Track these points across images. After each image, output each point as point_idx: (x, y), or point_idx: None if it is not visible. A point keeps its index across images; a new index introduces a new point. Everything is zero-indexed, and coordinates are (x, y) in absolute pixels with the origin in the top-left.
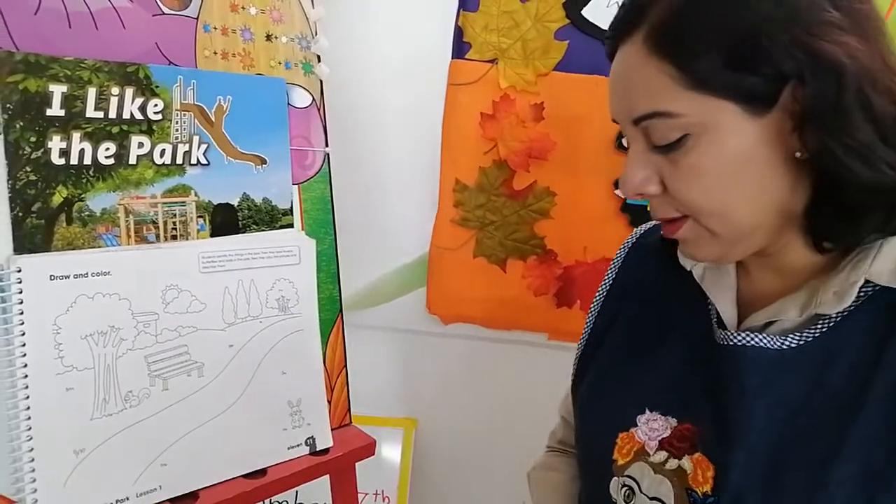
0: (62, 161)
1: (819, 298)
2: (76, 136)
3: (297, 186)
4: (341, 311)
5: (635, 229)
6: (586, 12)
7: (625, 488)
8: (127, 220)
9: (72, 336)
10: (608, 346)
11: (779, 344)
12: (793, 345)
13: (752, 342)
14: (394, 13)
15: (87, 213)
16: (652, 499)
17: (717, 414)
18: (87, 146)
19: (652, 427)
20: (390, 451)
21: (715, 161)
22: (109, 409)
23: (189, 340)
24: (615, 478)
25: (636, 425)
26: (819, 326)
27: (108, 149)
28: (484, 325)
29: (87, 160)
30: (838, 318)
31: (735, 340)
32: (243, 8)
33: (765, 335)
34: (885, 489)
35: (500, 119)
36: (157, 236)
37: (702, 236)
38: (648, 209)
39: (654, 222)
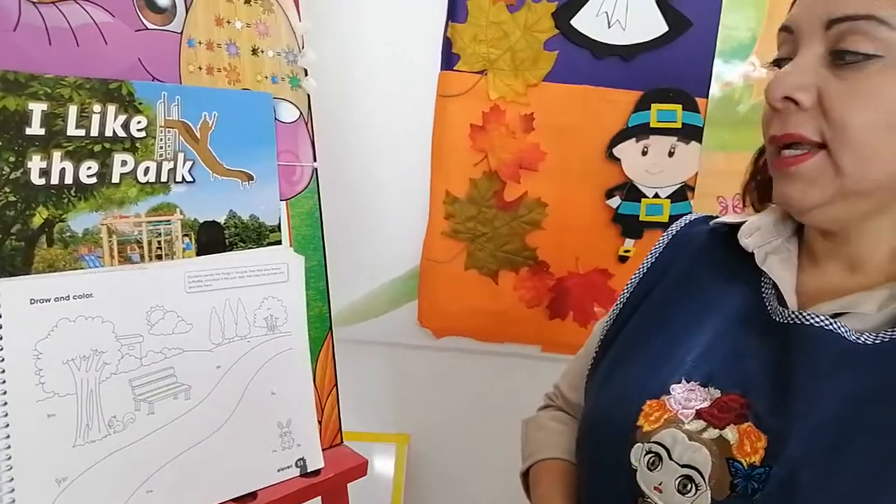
0: (42, 181)
1: None
2: (57, 155)
3: (284, 202)
4: (331, 328)
5: (679, 220)
6: (575, 22)
7: (650, 455)
8: (110, 241)
9: (53, 361)
10: (636, 323)
11: (855, 337)
12: (868, 341)
13: (829, 326)
14: (382, 25)
15: (68, 233)
16: (683, 466)
17: (780, 387)
18: (69, 165)
19: (688, 397)
20: (383, 467)
21: (893, 97)
22: (93, 435)
23: (175, 362)
24: (639, 444)
25: (669, 394)
26: (889, 332)
27: (89, 168)
28: (476, 338)
29: (69, 179)
30: None
31: (807, 320)
32: (228, 22)
33: (841, 323)
34: None
35: (490, 130)
36: (142, 256)
37: (825, 174)
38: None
39: (695, 215)
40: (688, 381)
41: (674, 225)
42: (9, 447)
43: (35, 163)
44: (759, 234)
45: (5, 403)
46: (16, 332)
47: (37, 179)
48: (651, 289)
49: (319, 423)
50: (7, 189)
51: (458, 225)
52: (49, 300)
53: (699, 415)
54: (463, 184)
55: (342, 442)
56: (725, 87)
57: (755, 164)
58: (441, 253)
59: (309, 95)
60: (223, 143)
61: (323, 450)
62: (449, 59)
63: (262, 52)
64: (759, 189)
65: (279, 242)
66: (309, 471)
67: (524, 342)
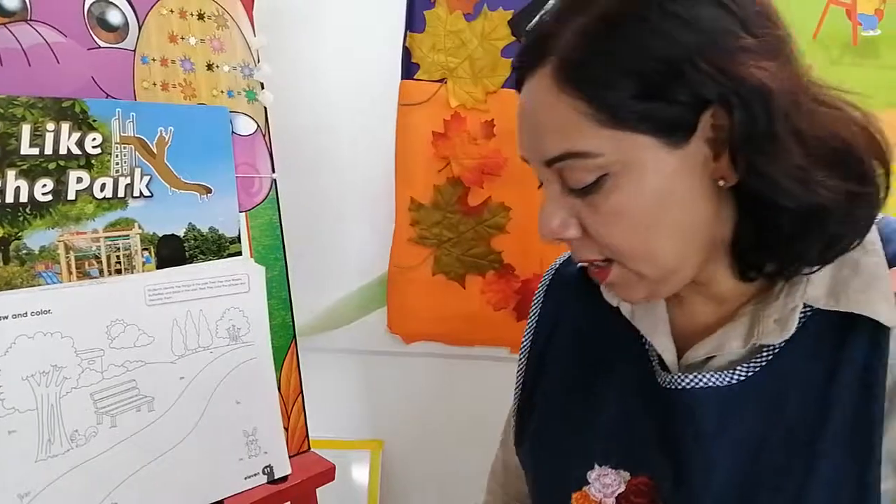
0: None
1: (760, 328)
2: (11, 174)
3: (244, 214)
4: (295, 337)
5: (550, 267)
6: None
7: None
8: (67, 257)
9: (12, 377)
10: (543, 398)
11: (727, 380)
12: (741, 378)
13: (700, 383)
14: (341, 36)
15: (24, 251)
16: None
17: (675, 463)
18: (24, 183)
19: (604, 483)
20: (358, 474)
21: (637, 201)
22: (55, 449)
23: (137, 375)
24: None
25: (588, 482)
26: (764, 355)
27: (45, 185)
28: (446, 342)
29: (24, 198)
30: (782, 345)
31: (682, 384)
32: (182, 38)
33: (711, 373)
34: None
35: (451, 137)
36: (101, 271)
37: (630, 279)
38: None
39: (562, 257)
40: (600, 466)
41: (546, 274)
42: None
43: None
44: None
45: None
46: None
47: None
48: (547, 356)
49: (286, 430)
50: None
51: (424, 231)
52: (7, 317)
53: (619, 502)
54: (427, 190)
55: (309, 448)
56: None
57: None
58: (408, 259)
59: (266, 108)
60: (180, 158)
61: (290, 456)
62: (409, 68)
63: (218, 67)
64: None
65: (239, 253)
66: (276, 477)
67: (493, 344)
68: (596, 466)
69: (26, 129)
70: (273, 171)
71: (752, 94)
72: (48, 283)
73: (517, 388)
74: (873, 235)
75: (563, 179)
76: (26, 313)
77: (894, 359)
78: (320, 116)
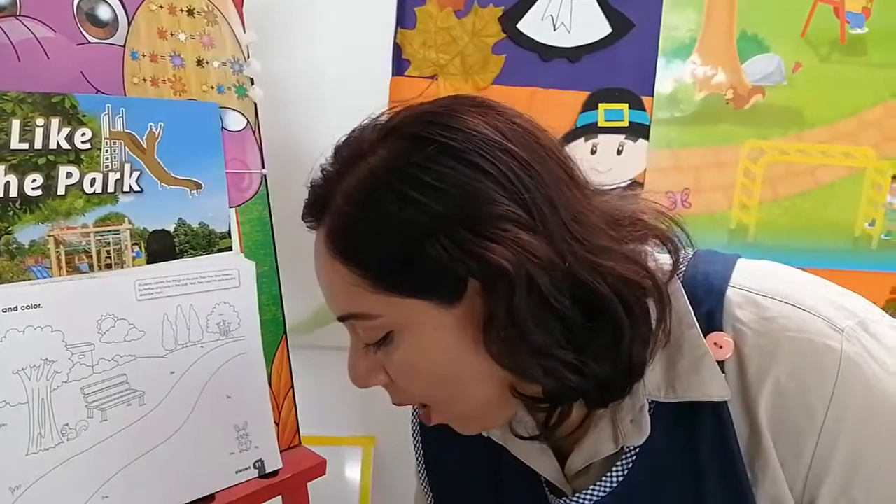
0: None
1: (622, 430)
2: (0, 168)
3: (234, 209)
4: (285, 332)
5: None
6: (522, 26)
7: None
8: (57, 251)
9: (3, 371)
10: None
11: (608, 487)
12: (620, 478)
13: (593, 499)
14: (332, 32)
15: (14, 245)
16: None
17: None
18: (13, 178)
19: None
20: (350, 471)
21: (424, 355)
22: (45, 443)
23: (128, 369)
24: None
25: None
26: (630, 453)
27: (34, 180)
28: None
29: (13, 192)
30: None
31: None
32: (172, 34)
33: (594, 487)
34: None
35: None
36: (91, 266)
37: (453, 418)
38: None
39: None
40: None
41: (411, 417)
42: None
43: None
44: None
45: None
46: None
47: None
48: (440, 488)
49: (277, 425)
50: None
51: None
52: None
53: None
54: None
55: (300, 443)
56: (673, 83)
57: None
58: None
59: (256, 104)
60: (170, 153)
61: (281, 451)
62: (399, 65)
63: (208, 62)
64: None
65: (230, 249)
66: (267, 472)
67: None
68: None
69: (16, 124)
70: (263, 166)
71: (495, 274)
72: (38, 278)
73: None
74: (682, 302)
75: (357, 334)
76: (17, 307)
77: (739, 426)
78: (310, 112)
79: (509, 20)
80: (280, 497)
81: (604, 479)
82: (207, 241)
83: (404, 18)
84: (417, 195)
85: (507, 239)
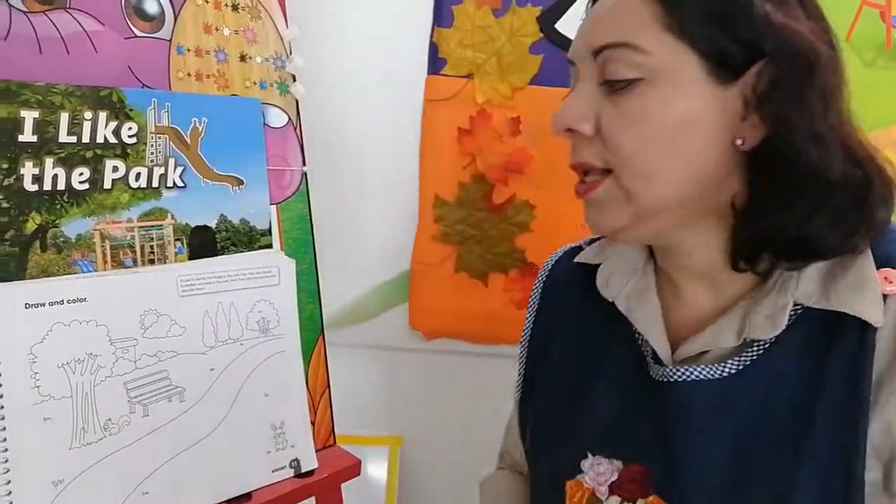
0: (35, 187)
1: (751, 323)
2: (49, 161)
3: (275, 206)
4: (323, 330)
5: (547, 260)
6: (560, 26)
7: None
8: (103, 246)
9: (48, 365)
10: (542, 392)
11: (718, 373)
12: (732, 371)
13: (692, 376)
14: (369, 31)
15: (61, 239)
16: None
17: (666, 453)
18: (61, 171)
19: (598, 472)
20: (376, 470)
21: (660, 113)
22: (88, 438)
23: (169, 365)
24: None
25: (582, 471)
26: (754, 350)
27: (81, 174)
28: (466, 340)
29: (61, 185)
30: (772, 341)
31: (674, 377)
32: (217, 29)
33: (703, 367)
34: None
35: (477, 134)
36: (135, 261)
37: (616, 200)
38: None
39: (558, 253)
40: (593, 456)
41: (541, 272)
42: (6, 450)
43: (28, 169)
44: (615, 276)
45: (2, 407)
46: (11, 336)
47: (30, 185)
48: (546, 351)
49: (312, 424)
50: (0, 195)
51: (448, 228)
52: (44, 305)
53: (612, 490)
54: (452, 187)
55: (335, 443)
56: None
57: None
58: (431, 256)
59: (297, 101)
60: (213, 149)
61: (316, 450)
62: (435, 63)
63: (251, 58)
64: None
65: (270, 246)
66: (303, 471)
67: (514, 343)
68: (589, 456)
69: (64, 117)
70: (304, 163)
71: (800, 54)
72: (84, 272)
73: (517, 384)
74: None
75: (602, 72)
76: (63, 301)
77: (879, 356)
78: (346, 110)
79: (547, 20)
80: (314, 497)
81: (715, 366)
82: (248, 238)
83: (441, 17)
84: None
85: (814, 33)
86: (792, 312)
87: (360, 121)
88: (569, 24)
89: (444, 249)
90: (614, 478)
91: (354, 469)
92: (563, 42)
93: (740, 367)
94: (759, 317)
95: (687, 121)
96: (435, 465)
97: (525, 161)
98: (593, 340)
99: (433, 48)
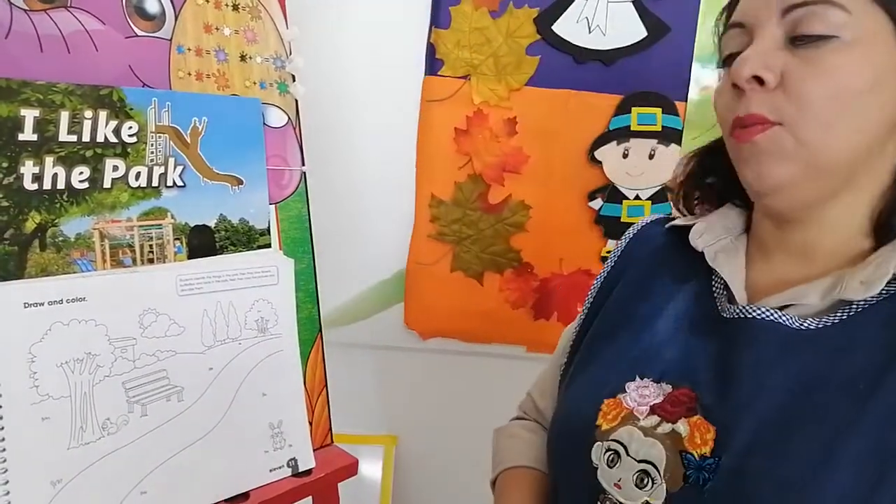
0: (35, 186)
1: (844, 285)
2: (49, 160)
3: (274, 206)
4: (321, 330)
5: (639, 222)
6: (557, 28)
7: (609, 452)
8: (102, 245)
9: (47, 364)
10: (597, 325)
11: (797, 324)
12: (811, 326)
13: (771, 317)
14: (367, 31)
15: (61, 238)
16: (640, 461)
17: (726, 379)
18: (61, 170)
19: (642, 394)
20: (371, 469)
21: (852, 70)
22: (87, 437)
23: (168, 365)
24: (598, 443)
25: (625, 392)
26: (839, 314)
27: (81, 172)
28: (462, 340)
29: (61, 184)
30: (859, 309)
31: (751, 313)
32: (217, 29)
33: (782, 313)
34: None
35: (473, 134)
36: (134, 260)
37: (785, 149)
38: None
39: (653, 216)
40: (641, 379)
41: (633, 226)
42: (4, 450)
43: (28, 168)
44: (708, 234)
45: (0, 406)
46: (10, 335)
47: (29, 184)
48: (611, 291)
49: (310, 423)
50: (0, 194)
51: (444, 227)
52: (43, 304)
53: (653, 410)
54: (448, 187)
55: (332, 442)
56: (704, 91)
57: (692, 167)
58: (427, 255)
59: (297, 101)
60: (213, 148)
61: (314, 450)
62: (433, 64)
63: (251, 58)
64: (703, 192)
65: (269, 245)
66: (300, 471)
67: (509, 343)
68: (637, 378)
69: (64, 116)
70: (303, 163)
71: None
72: (83, 271)
73: (576, 328)
74: None
75: (792, 28)
76: (62, 300)
77: None
78: (344, 110)
79: (544, 21)
80: (310, 497)
81: (794, 316)
82: (247, 238)
83: (439, 18)
84: None
85: None
86: (885, 291)
87: (358, 121)
88: (566, 26)
89: (440, 249)
90: (658, 400)
91: (352, 468)
92: (560, 44)
93: (820, 326)
94: (854, 281)
95: (874, 81)
96: (430, 464)
97: (521, 161)
98: (666, 283)
99: (430, 49)
